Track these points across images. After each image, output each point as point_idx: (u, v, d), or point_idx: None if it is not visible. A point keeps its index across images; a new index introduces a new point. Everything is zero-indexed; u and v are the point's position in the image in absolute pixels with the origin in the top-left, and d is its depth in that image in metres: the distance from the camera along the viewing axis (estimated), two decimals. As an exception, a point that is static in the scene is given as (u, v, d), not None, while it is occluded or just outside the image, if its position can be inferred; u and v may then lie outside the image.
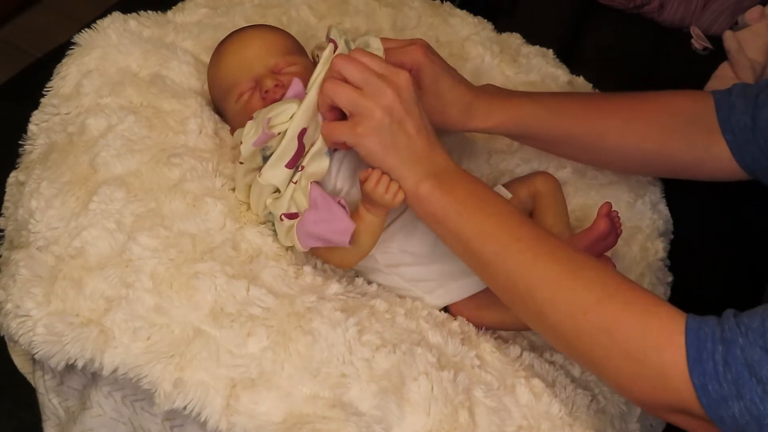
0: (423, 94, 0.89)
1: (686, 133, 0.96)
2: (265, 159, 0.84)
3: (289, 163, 0.83)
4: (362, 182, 0.80)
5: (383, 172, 0.80)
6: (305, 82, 0.85)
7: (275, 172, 0.83)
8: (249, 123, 0.84)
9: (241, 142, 0.84)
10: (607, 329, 0.70)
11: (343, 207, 0.81)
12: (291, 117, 0.82)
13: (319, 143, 0.83)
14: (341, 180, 0.88)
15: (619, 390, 0.74)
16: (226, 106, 0.95)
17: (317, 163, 0.84)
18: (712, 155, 0.95)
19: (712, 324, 0.67)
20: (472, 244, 0.79)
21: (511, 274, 0.77)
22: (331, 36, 0.87)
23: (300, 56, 0.96)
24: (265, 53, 0.93)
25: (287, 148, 0.82)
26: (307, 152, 0.84)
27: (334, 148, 0.85)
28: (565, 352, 0.78)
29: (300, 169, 0.84)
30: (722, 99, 0.95)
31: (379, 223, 0.83)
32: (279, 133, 0.82)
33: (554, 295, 0.74)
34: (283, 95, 0.86)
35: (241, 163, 0.86)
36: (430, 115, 0.84)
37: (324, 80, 0.81)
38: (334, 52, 0.84)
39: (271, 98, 0.89)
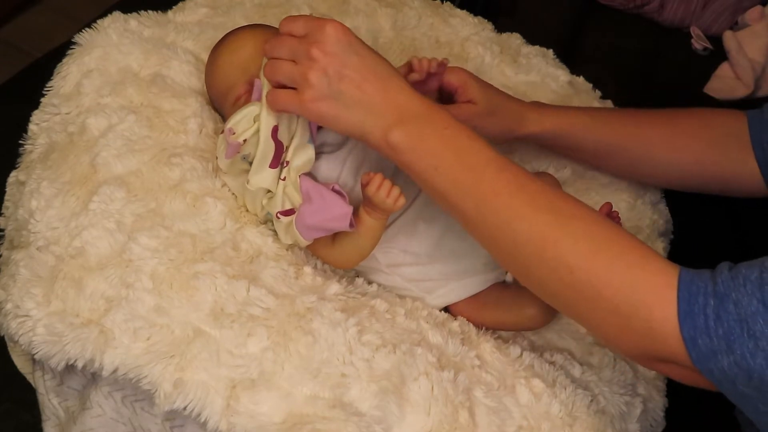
0: (475, 108, 0.92)
1: (724, 147, 0.98)
2: (250, 163, 0.84)
3: (272, 163, 0.83)
4: (363, 186, 0.80)
5: (384, 177, 0.79)
6: None
7: (261, 176, 0.83)
8: (220, 137, 0.83)
9: (217, 157, 0.84)
10: (594, 285, 0.68)
11: (338, 192, 0.81)
12: (254, 120, 0.82)
13: (298, 136, 0.83)
14: (344, 176, 0.88)
15: (605, 341, 0.73)
16: (224, 108, 0.94)
17: (302, 155, 0.84)
18: (746, 170, 0.97)
19: (705, 277, 0.65)
20: (450, 199, 0.75)
21: (493, 230, 0.74)
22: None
23: None
24: (260, 54, 0.90)
25: (265, 149, 0.82)
26: (288, 147, 0.83)
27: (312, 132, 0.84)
28: (553, 305, 0.77)
29: (285, 165, 0.84)
30: (755, 116, 0.97)
31: (379, 227, 0.83)
32: (245, 140, 0.82)
33: (539, 251, 0.71)
34: None
35: (226, 173, 0.87)
36: (483, 127, 0.86)
37: (263, 66, 0.81)
38: None
39: None
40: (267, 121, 0.81)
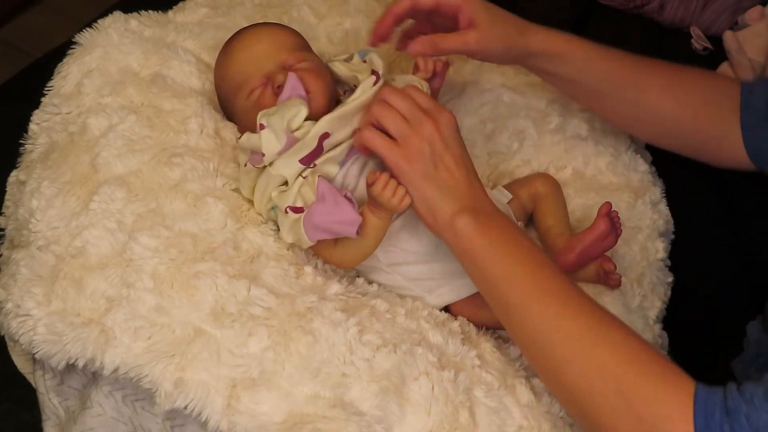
0: (478, 29, 0.91)
1: (718, 108, 0.98)
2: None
3: (303, 159, 0.84)
4: (369, 185, 0.81)
5: (391, 176, 0.80)
6: (316, 79, 0.88)
7: (288, 164, 0.84)
8: (265, 133, 0.83)
9: (262, 153, 0.84)
10: (623, 393, 0.71)
11: (350, 200, 0.82)
12: (304, 118, 0.84)
13: (338, 151, 0.86)
14: (348, 178, 0.88)
15: None
16: (236, 102, 0.94)
17: (328, 167, 0.86)
18: (731, 136, 0.97)
19: (719, 394, 0.68)
20: (498, 288, 0.79)
21: (532, 325, 0.77)
22: (374, 68, 0.90)
23: (309, 53, 0.96)
24: (276, 50, 0.93)
25: (306, 145, 0.84)
26: (324, 154, 0.85)
27: (361, 155, 0.87)
28: (571, 410, 0.78)
29: (312, 166, 0.85)
30: (747, 84, 0.98)
31: (383, 226, 0.83)
32: (301, 138, 0.84)
33: (574, 353, 0.74)
34: (312, 99, 0.87)
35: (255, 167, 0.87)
36: (488, 43, 0.88)
37: (373, 103, 0.84)
38: (375, 83, 0.88)
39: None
40: (323, 125, 0.84)
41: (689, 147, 1.04)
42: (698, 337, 1.08)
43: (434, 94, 0.98)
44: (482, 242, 0.80)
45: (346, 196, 0.82)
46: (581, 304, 0.77)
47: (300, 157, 0.84)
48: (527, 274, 0.78)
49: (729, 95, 0.98)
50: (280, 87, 0.89)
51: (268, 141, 0.83)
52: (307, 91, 0.88)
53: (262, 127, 0.84)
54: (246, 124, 0.91)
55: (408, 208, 0.82)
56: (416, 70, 0.95)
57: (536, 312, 0.77)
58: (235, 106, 0.95)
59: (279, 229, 0.88)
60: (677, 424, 0.68)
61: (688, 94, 0.99)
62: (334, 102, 0.92)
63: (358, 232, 0.81)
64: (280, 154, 0.83)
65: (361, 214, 0.82)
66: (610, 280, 0.95)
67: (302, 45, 0.97)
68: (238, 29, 0.99)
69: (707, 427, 0.67)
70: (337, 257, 0.87)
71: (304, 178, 0.84)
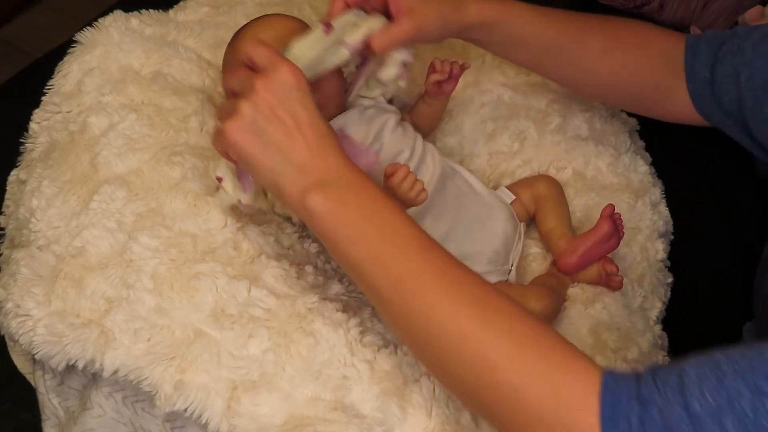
0: (408, 12, 0.87)
1: (656, 68, 0.96)
2: None
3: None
4: (387, 177, 0.80)
5: (409, 169, 0.79)
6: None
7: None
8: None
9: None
10: (515, 387, 0.62)
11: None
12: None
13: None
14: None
15: None
16: None
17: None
18: (673, 95, 0.96)
19: (629, 381, 0.60)
20: (365, 275, 0.68)
21: (410, 314, 0.67)
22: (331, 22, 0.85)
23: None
24: (288, 36, 0.85)
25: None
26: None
27: None
28: (469, 407, 0.72)
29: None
30: (692, 44, 0.95)
31: None
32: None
33: (457, 344, 0.64)
34: None
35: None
36: (423, 20, 0.86)
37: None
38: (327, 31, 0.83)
39: None
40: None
41: (636, 106, 1.04)
42: (697, 338, 1.08)
43: (446, 96, 0.99)
44: (336, 222, 0.69)
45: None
46: (461, 284, 0.67)
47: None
48: (394, 257, 0.67)
49: (672, 54, 0.96)
50: None
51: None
52: (322, 89, 0.86)
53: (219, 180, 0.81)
54: None
55: (425, 201, 0.79)
56: (432, 70, 0.95)
57: (409, 300, 0.66)
58: None
59: (280, 230, 0.88)
60: (579, 413, 0.60)
61: (626, 53, 0.97)
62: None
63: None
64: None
65: None
66: (611, 282, 0.95)
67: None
68: (239, 27, 0.99)
69: (613, 417, 0.58)
70: None
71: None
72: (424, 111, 1.01)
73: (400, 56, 0.90)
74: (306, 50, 0.81)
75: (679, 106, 0.96)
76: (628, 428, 0.58)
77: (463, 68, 0.96)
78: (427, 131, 1.02)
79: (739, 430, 0.54)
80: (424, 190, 0.80)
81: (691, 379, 0.57)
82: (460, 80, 1.04)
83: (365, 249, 0.68)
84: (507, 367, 0.63)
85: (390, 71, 0.91)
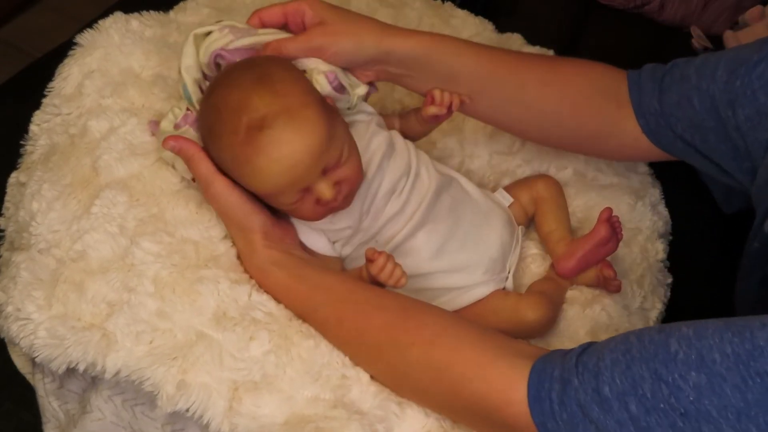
0: (328, 28, 0.87)
1: (597, 103, 0.93)
2: None
3: None
4: (368, 261, 0.81)
5: (389, 256, 0.81)
6: (354, 178, 0.83)
7: None
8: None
9: None
10: (455, 393, 0.72)
11: None
12: None
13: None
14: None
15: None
16: (266, 200, 0.84)
17: None
18: (619, 130, 0.93)
19: (555, 361, 0.67)
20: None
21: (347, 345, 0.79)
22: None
23: (336, 132, 0.82)
24: (312, 161, 0.78)
25: None
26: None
27: None
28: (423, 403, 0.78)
29: None
30: (633, 80, 0.93)
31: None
32: None
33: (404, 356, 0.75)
34: (343, 198, 0.83)
35: None
36: (340, 48, 0.86)
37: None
38: None
39: (331, 207, 0.83)
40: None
41: (580, 146, 1.00)
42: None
43: (440, 122, 0.95)
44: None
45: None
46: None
47: None
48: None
49: (614, 89, 0.93)
50: (328, 203, 0.81)
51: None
52: (350, 190, 0.83)
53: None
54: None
55: (405, 224, 0.84)
56: (431, 101, 0.90)
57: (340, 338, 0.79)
58: (264, 200, 0.84)
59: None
60: (507, 393, 0.67)
61: (566, 85, 0.94)
62: None
63: None
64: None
65: (359, 273, 0.84)
66: (609, 285, 0.95)
67: (328, 126, 0.80)
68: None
69: (538, 395, 0.65)
70: None
71: None
72: (415, 127, 0.97)
73: (323, 67, 0.87)
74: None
75: (630, 140, 0.93)
76: (550, 405, 0.64)
77: (462, 104, 0.91)
78: (416, 140, 0.99)
79: (641, 411, 0.59)
80: (404, 275, 0.80)
81: (606, 363, 0.63)
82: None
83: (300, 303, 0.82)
84: (446, 375, 0.72)
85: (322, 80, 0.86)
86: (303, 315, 0.81)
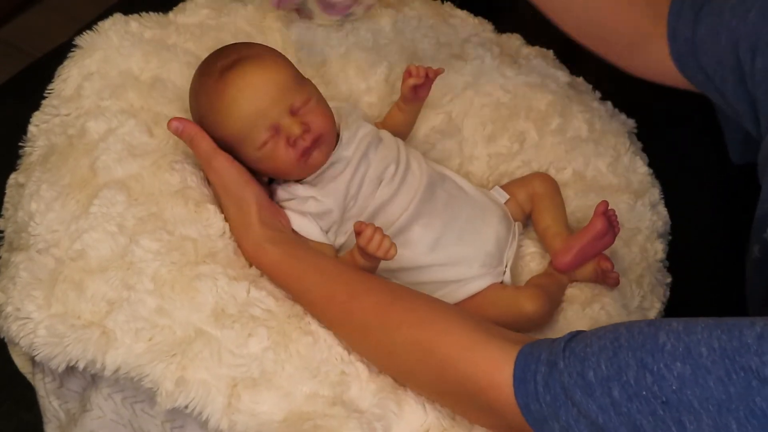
0: None
1: (638, 10, 0.95)
2: None
3: None
4: (357, 234, 0.81)
5: (376, 228, 0.81)
6: (324, 115, 0.89)
7: None
8: None
9: None
10: (441, 375, 0.72)
11: None
12: None
13: None
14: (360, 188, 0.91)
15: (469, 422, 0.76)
16: (242, 152, 0.88)
17: None
18: (650, 45, 0.94)
19: (543, 346, 0.67)
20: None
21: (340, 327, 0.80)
22: None
23: (305, 83, 0.92)
24: (279, 94, 0.86)
25: None
26: None
27: None
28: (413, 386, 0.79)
29: None
30: (676, 3, 0.93)
31: (372, 267, 0.84)
32: None
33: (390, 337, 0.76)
34: (312, 139, 0.86)
35: None
36: None
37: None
38: None
39: (301, 147, 0.86)
40: None
41: (611, 49, 1.00)
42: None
43: (420, 102, 0.98)
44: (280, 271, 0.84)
45: None
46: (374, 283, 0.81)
47: None
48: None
49: (658, 3, 0.93)
50: (297, 140, 0.86)
51: None
52: (319, 134, 0.87)
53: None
54: (263, 169, 0.90)
55: (400, 215, 0.85)
56: (408, 75, 0.94)
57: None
58: (241, 155, 0.89)
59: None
60: (493, 375, 0.68)
61: None
62: None
63: None
64: None
65: (351, 254, 0.84)
66: (608, 278, 0.95)
67: (296, 74, 0.91)
68: (239, 29, 0.99)
69: (523, 376, 0.66)
70: None
71: None
72: (398, 118, 0.99)
73: None
74: None
75: (655, 60, 0.94)
76: (534, 386, 0.65)
77: (437, 73, 0.95)
78: (402, 137, 1.01)
79: (623, 397, 0.60)
80: (392, 246, 0.80)
81: (593, 349, 0.63)
82: (459, 81, 1.04)
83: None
84: (430, 357, 0.73)
85: None
86: (294, 294, 0.83)
